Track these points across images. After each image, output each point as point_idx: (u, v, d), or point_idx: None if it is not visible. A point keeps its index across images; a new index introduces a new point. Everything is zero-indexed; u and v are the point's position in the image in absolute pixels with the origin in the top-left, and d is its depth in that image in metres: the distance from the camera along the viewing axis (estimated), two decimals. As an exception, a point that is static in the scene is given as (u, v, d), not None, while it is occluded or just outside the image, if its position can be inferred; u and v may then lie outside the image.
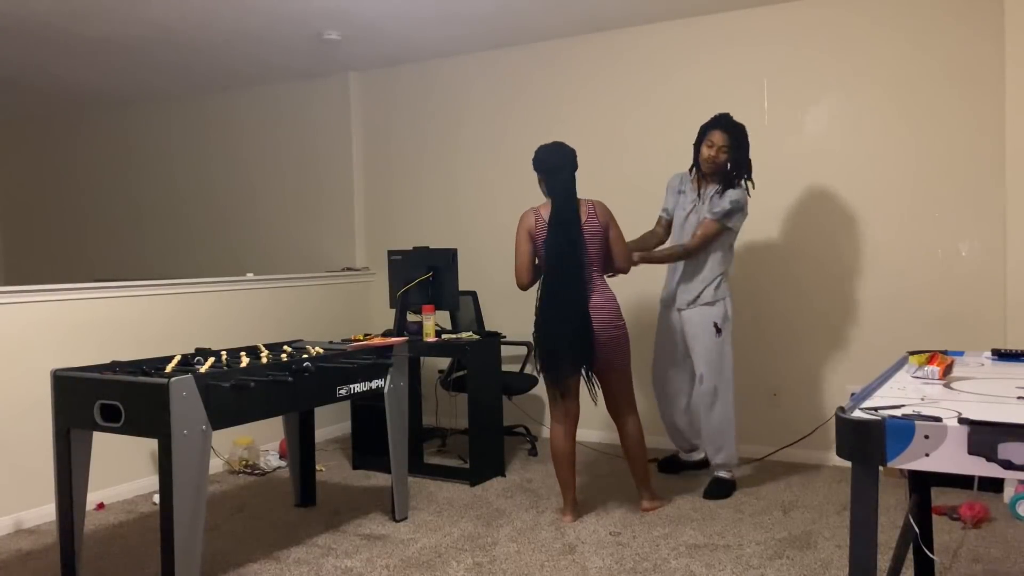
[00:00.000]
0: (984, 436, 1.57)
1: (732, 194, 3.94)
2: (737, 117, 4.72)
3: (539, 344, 3.69)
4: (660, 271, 4.36)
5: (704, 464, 4.35)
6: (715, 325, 4.01)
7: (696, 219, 4.05)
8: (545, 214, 3.69)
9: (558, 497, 3.98)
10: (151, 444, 3.97)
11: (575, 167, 3.75)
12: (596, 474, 4.50)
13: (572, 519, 3.72)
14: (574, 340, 3.58)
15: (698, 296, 4.05)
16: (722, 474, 4.11)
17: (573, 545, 3.42)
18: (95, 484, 3.24)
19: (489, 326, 5.16)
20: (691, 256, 4.01)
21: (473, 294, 5.20)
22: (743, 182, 4.01)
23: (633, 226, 4.80)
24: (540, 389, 5.15)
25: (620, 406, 3.82)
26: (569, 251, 3.60)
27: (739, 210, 3.95)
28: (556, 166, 3.69)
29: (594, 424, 5.22)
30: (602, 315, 3.63)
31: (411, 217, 5.90)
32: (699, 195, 4.08)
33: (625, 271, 3.81)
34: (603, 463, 4.72)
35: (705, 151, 4.01)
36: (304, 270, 5.98)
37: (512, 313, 5.04)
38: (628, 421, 3.82)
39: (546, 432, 5.35)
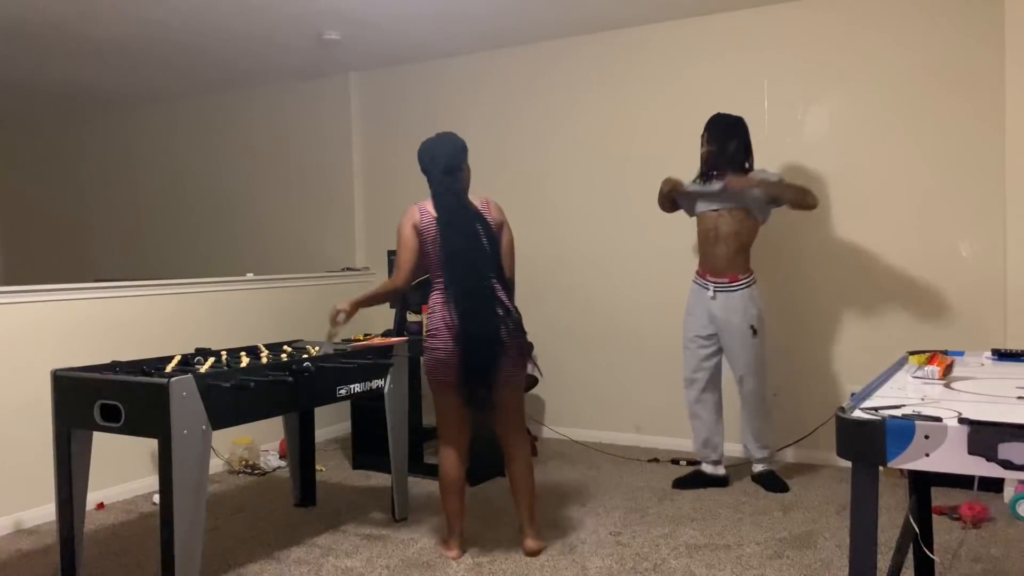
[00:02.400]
0: (984, 436, 1.57)
1: (755, 173, 4.05)
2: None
3: (438, 357, 3.17)
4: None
5: (724, 482, 4.20)
6: (752, 328, 4.02)
7: (719, 209, 4.06)
8: (431, 209, 3.25)
9: (558, 497, 3.98)
10: (151, 444, 3.95)
11: (458, 152, 3.29)
12: (596, 474, 4.50)
13: (458, 554, 3.31)
14: (485, 351, 3.12)
15: (733, 282, 4.06)
16: (772, 467, 4.26)
17: (573, 545, 3.42)
18: (95, 484, 3.23)
19: (489, 326, 5.16)
20: (813, 201, 3.98)
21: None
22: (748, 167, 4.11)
23: (633, 226, 4.81)
24: (540, 389, 5.15)
25: (510, 425, 3.32)
26: (468, 250, 3.17)
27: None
28: (432, 156, 3.29)
29: (593, 423, 5.23)
30: (510, 324, 3.20)
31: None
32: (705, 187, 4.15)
33: (510, 281, 3.30)
34: (603, 463, 4.72)
35: (704, 149, 4.15)
36: (304, 270, 5.98)
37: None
38: (519, 447, 3.33)
39: (546, 432, 5.35)
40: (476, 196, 3.29)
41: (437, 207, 3.23)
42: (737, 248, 4.05)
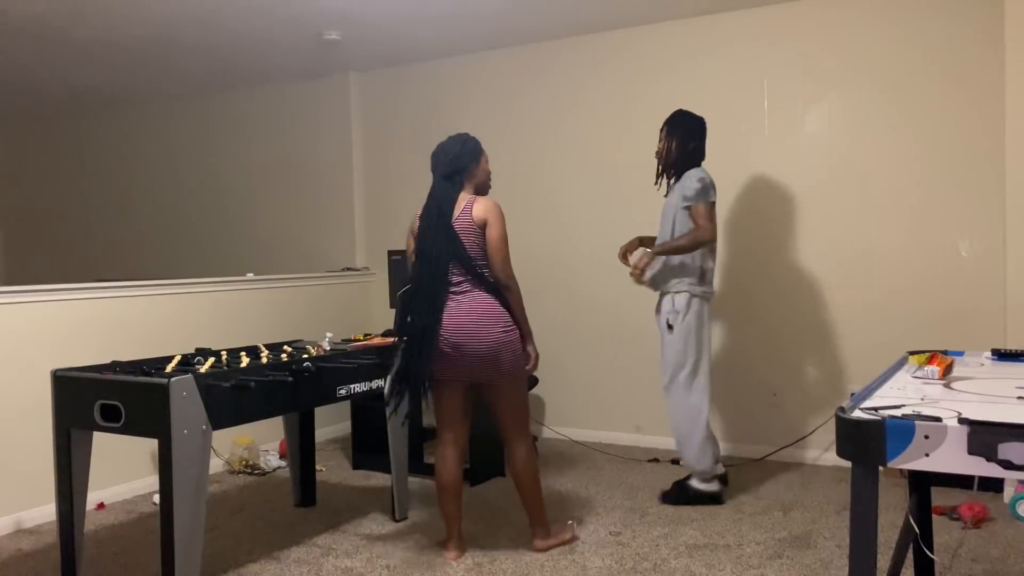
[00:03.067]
0: (984, 436, 1.57)
1: (691, 174, 3.83)
2: (737, 118, 4.75)
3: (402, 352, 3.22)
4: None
5: (724, 479, 4.08)
6: (667, 322, 3.89)
7: (670, 211, 3.92)
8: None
9: (558, 497, 3.98)
10: (151, 444, 3.96)
11: (455, 156, 3.26)
12: (596, 474, 4.50)
13: (457, 556, 3.31)
14: (415, 349, 3.14)
15: (664, 286, 3.93)
16: (691, 481, 3.93)
17: (573, 545, 3.42)
18: (95, 484, 3.23)
19: (489, 326, 5.16)
20: (705, 240, 3.78)
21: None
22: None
23: (633, 227, 4.80)
24: (540, 389, 5.16)
25: (504, 429, 3.32)
26: (432, 250, 3.17)
27: (710, 185, 3.81)
28: (435, 160, 3.31)
29: (593, 423, 5.23)
30: (460, 323, 3.12)
31: (411, 217, 5.88)
32: (668, 191, 4.02)
33: (501, 281, 3.18)
34: (603, 463, 4.72)
35: (657, 147, 4.01)
36: (304, 270, 5.98)
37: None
38: (514, 448, 3.31)
39: (547, 432, 5.35)
40: (467, 197, 3.23)
41: (423, 211, 3.28)
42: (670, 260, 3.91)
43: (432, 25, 4.93)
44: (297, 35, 5.05)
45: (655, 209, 4.38)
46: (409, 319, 3.18)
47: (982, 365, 2.53)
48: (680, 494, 3.93)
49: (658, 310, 4.00)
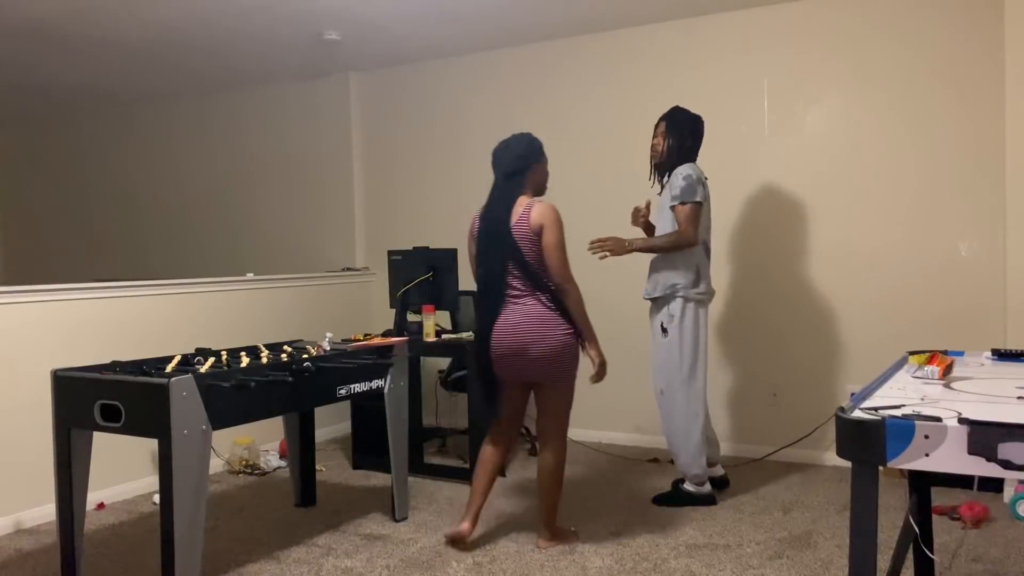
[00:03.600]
0: (984, 436, 1.57)
1: (679, 171, 3.78)
2: (737, 118, 4.75)
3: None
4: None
5: (725, 481, 4.12)
6: (662, 326, 3.88)
7: (664, 209, 3.90)
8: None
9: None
10: (151, 444, 3.95)
11: (519, 156, 3.34)
12: (596, 474, 4.50)
13: (468, 529, 3.36)
14: (478, 353, 3.33)
15: (653, 291, 3.91)
16: (685, 484, 3.91)
17: (573, 545, 3.42)
18: (95, 484, 3.23)
19: (489, 326, 5.16)
20: (685, 244, 3.75)
21: (473, 294, 5.19)
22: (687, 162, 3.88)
23: (632, 225, 4.80)
24: (540, 389, 5.15)
25: (541, 426, 3.42)
26: (490, 255, 3.27)
27: (697, 182, 3.75)
28: (497, 158, 3.41)
29: (593, 423, 5.23)
30: (515, 328, 3.22)
31: (411, 217, 5.90)
32: (661, 188, 3.99)
33: (559, 286, 3.24)
34: (603, 462, 4.72)
35: (651, 142, 3.98)
36: (304, 270, 5.98)
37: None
38: (545, 448, 3.39)
39: (546, 432, 5.34)
40: (525, 200, 3.27)
41: (482, 212, 3.37)
42: (660, 260, 3.91)
43: (432, 25, 4.94)
44: (297, 35, 5.05)
45: (654, 209, 4.39)
46: (477, 319, 3.36)
47: (982, 365, 2.53)
48: (674, 497, 3.93)
49: (652, 315, 3.98)
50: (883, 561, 2.36)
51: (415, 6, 4.57)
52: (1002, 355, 2.64)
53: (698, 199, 3.74)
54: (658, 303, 3.92)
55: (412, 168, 5.91)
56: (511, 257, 3.22)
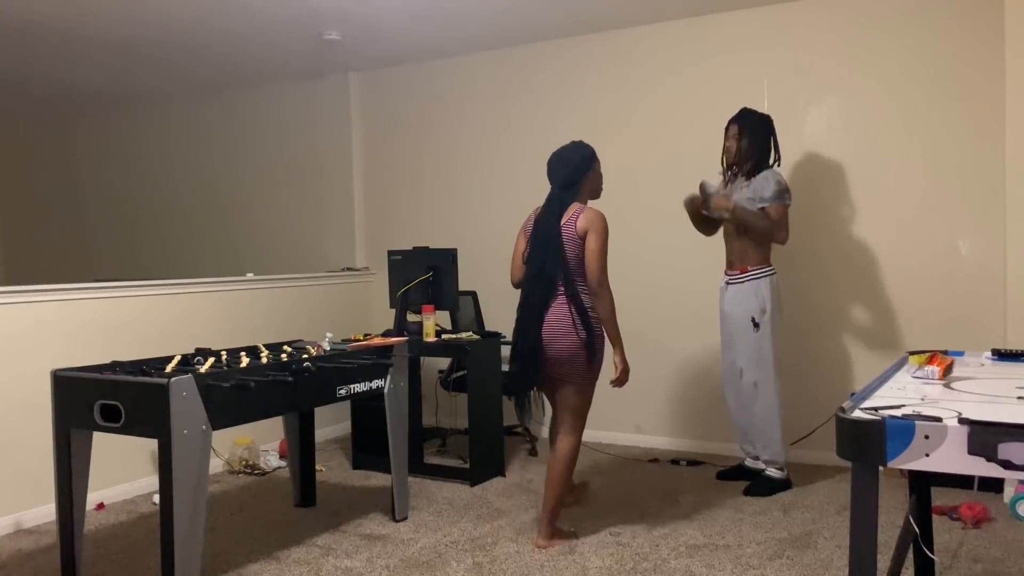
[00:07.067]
0: (984, 436, 1.56)
1: (769, 175, 3.99)
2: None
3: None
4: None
5: (753, 474, 4.20)
6: (753, 321, 3.99)
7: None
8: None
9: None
10: (151, 444, 3.96)
11: (575, 168, 3.45)
12: (596, 474, 4.50)
13: (542, 542, 3.44)
14: (526, 353, 3.37)
15: (743, 272, 4.06)
16: (771, 472, 4.10)
17: (573, 545, 3.42)
18: (95, 484, 3.23)
19: (489, 326, 5.16)
20: (777, 238, 4.01)
21: (473, 294, 5.20)
22: (773, 164, 4.09)
23: (632, 225, 4.81)
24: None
25: (559, 419, 3.48)
26: (536, 255, 3.39)
27: (786, 187, 4.01)
28: (552, 168, 3.52)
29: (593, 423, 5.22)
30: (551, 327, 3.32)
31: (411, 217, 5.90)
32: (727, 188, 4.12)
33: (593, 290, 3.33)
34: (603, 463, 4.72)
35: (724, 144, 4.14)
36: (304, 270, 5.98)
37: (512, 313, 5.02)
38: (560, 443, 3.44)
39: (545, 431, 5.34)
40: (577, 206, 3.39)
41: (539, 214, 3.47)
42: (749, 242, 4.03)
43: (432, 25, 4.94)
44: (297, 35, 5.06)
45: (654, 208, 4.39)
46: (517, 322, 3.44)
47: (982, 365, 2.52)
48: (763, 486, 4.06)
49: (730, 302, 4.08)
50: (883, 561, 2.36)
51: (415, 6, 4.57)
52: (1002, 355, 2.64)
53: (787, 203, 4.00)
54: (743, 287, 4.03)
55: (412, 168, 5.91)
56: (555, 260, 3.34)
